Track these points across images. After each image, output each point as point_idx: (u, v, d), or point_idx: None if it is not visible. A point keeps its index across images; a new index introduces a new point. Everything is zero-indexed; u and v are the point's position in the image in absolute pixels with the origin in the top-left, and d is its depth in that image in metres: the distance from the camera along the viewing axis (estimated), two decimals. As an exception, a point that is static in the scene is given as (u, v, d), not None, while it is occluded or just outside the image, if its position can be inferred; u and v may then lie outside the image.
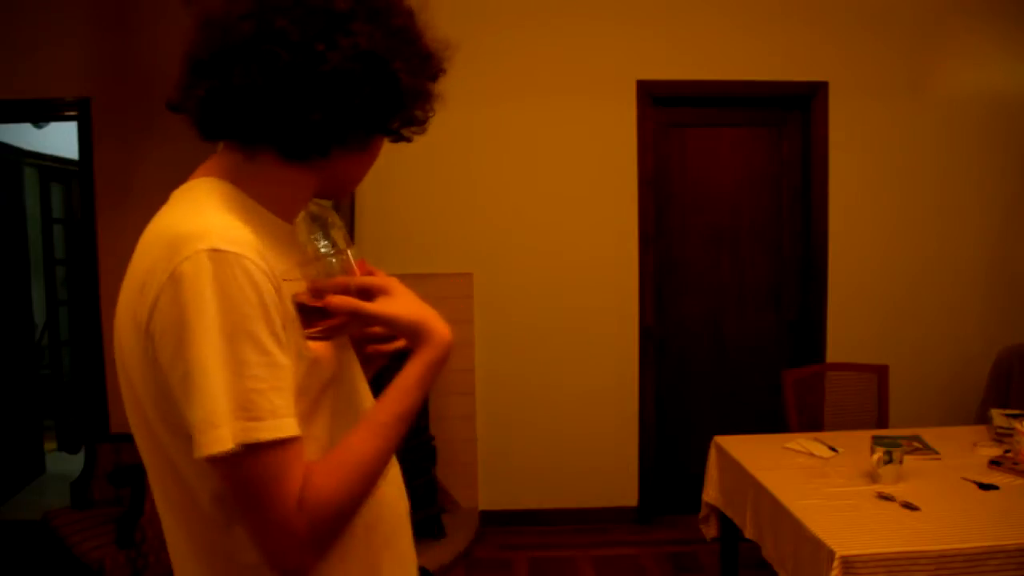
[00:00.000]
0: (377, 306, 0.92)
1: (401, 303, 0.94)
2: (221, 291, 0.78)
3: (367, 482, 0.87)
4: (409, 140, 1.01)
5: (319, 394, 0.91)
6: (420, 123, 1.00)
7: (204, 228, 0.81)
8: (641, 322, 3.90)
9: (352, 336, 1.03)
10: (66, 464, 4.93)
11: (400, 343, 1.03)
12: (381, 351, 1.08)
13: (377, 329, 1.02)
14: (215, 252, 0.79)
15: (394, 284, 0.95)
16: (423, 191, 3.82)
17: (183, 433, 0.82)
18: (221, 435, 0.77)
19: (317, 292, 0.90)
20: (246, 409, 0.78)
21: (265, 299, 0.80)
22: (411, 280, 3.70)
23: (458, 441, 3.86)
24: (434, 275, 3.83)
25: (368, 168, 1.01)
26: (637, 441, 3.94)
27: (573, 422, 3.93)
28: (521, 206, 3.85)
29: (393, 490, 1.05)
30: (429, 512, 3.50)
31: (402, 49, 0.92)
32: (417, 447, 3.46)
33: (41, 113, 4.43)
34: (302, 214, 1.01)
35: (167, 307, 0.79)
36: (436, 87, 1.01)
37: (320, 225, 1.04)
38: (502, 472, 3.89)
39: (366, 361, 1.08)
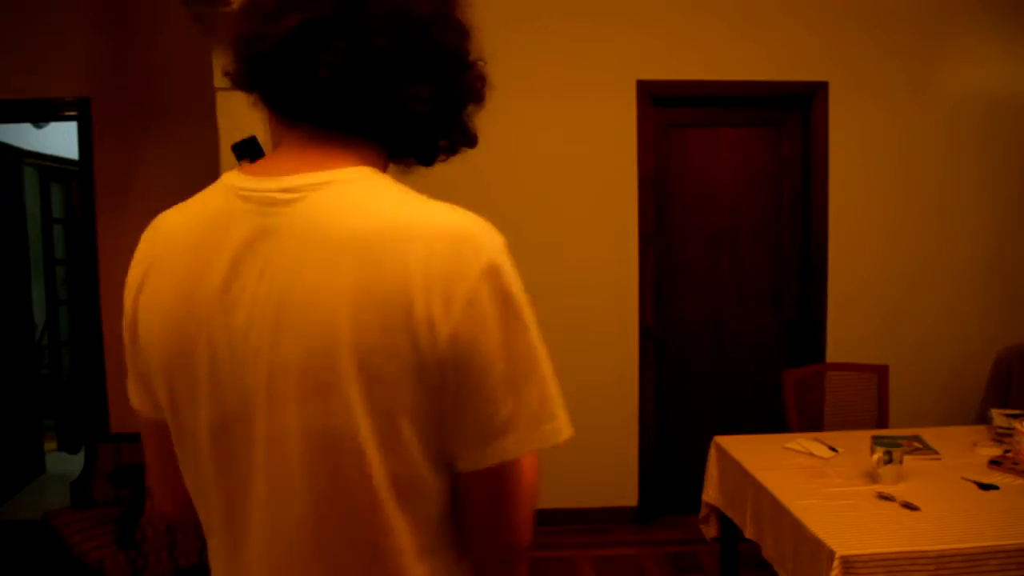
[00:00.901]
0: None
1: None
2: (520, 281, 0.79)
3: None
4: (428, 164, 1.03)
5: None
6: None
7: (476, 223, 0.80)
8: (641, 322, 3.90)
9: None
10: (66, 464, 4.93)
11: None
12: None
13: None
14: (505, 246, 0.79)
15: None
16: (423, 191, 3.81)
17: (433, 441, 0.78)
18: (562, 425, 0.81)
19: None
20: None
21: None
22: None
23: (458, 441, 3.86)
24: (434, 275, 3.83)
25: None
26: (637, 441, 3.94)
27: (573, 422, 3.90)
28: (521, 206, 3.85)
29: None
30: (429, 512, 3.50)
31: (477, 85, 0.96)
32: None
33: (41, 113, 4.43)
34: None
35: (487, 301, 0.75)
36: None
37: None
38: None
39: None
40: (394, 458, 0.76)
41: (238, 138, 0.91)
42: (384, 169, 0.88)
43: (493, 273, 0.76)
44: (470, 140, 0.96)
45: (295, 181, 0.80)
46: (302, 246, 0.77)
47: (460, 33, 0.89)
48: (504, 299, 0.76)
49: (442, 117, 0.87)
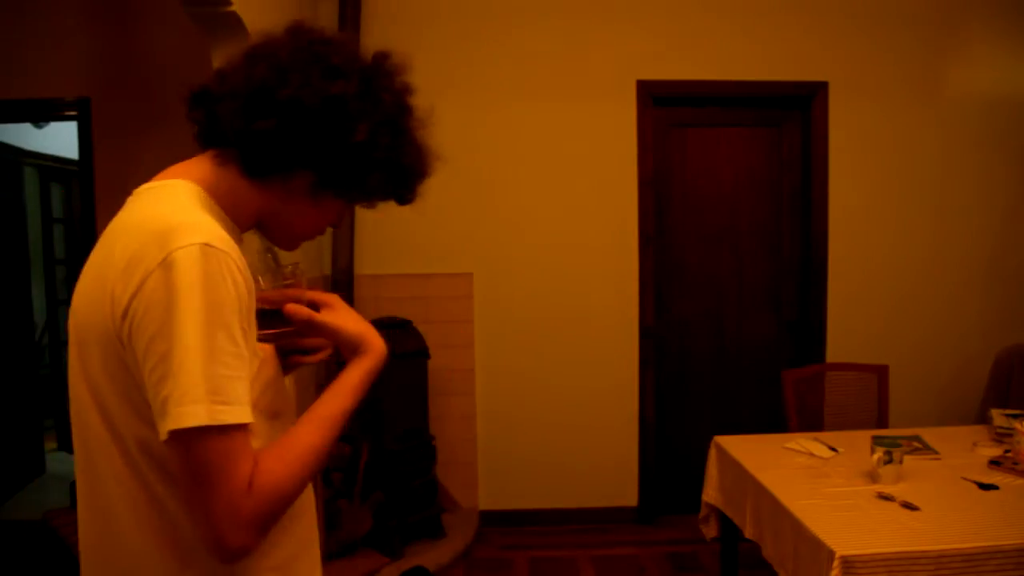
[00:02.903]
0: (326, 317, 1.03)
1: (345, 316, 1.05)
2: (208, 282, 0.85)
3: (309, 471, 0.93)
4: (366, 206, 1.14)
5: (260, 393, 0.98)
6: (371, 202, 1.13)
7: (196, 224, 0.88)
8: (641, 322, 3.90)
9: (281, 345, 1.09)
10: (66, 464, 4.93)
11: (323, 355, 1.15)
12: (304, 361, 1.15)
13: (313, 341, 1.12)
14: (207, 247, 0.86)
15: (337, 300, 1.07)
16: (423, 191, 3.81)
17: (141, 409, 0.88)
18: (197, 411, 0.82)
19: (274, 300, 1.01)
20: (217, 392, 0.84)
21: (241, 296, 0.89)
22: (411, 280, 3.72)
23: (458, 441, 3.86)
24: (434, 275, 3.83)
25: (313, 227, 1.08)
26: (637, 441, 3.94)
27: (573, 422, 3.93)
28: (521, 206, 3.85)
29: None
30: (429, 512, 3.50)
31: (401, 140, 1.09)
32: (417, 447, 3.46)
33: (41, 113, 4.43)
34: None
35: (156, 290, 0.85)
36: (414, 190, 1.17)
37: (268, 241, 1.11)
38: (502, 472, 3.89)
39: (285, 369, 1.14)
40: (115, 419, 0.91)
41: None
42: (218, 175, 1.00)
43: (168, 265, 0.84)
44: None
45: (148, 184, 1.01)
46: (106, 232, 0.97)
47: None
48: (170, 289, 0.84)
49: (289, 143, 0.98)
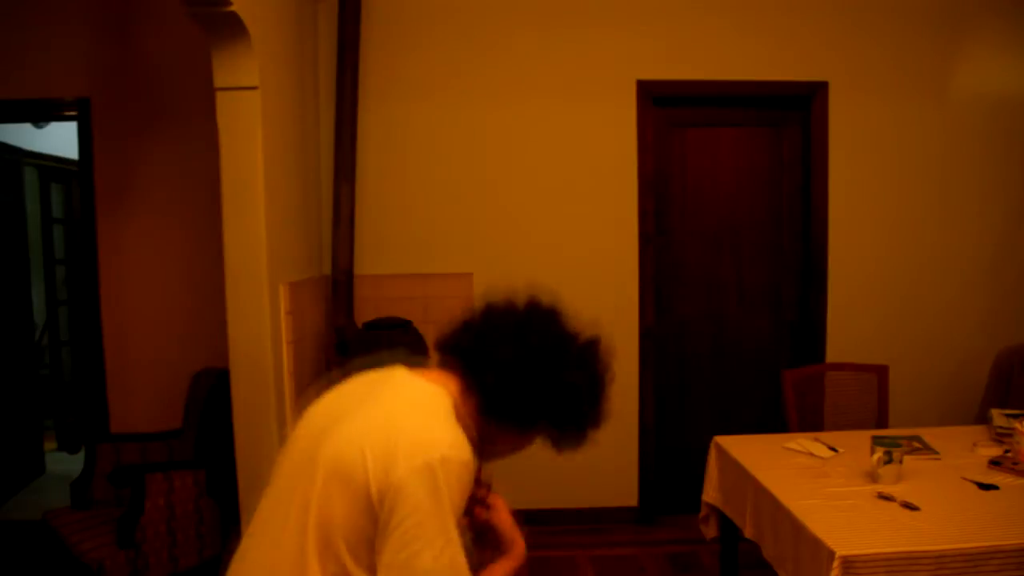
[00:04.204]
0: (493, 518, 1.34)
1: (505, 519, 1.36)
2: (456, 487, 1.10)
3: None
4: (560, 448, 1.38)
5: None
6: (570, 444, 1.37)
7: (454, 441, 1.13)
8: (641, 322, 3.90)
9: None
10: (66, 464, 4.93)
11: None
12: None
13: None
14: (461, 463, 1.11)
15: (500, 502, 1.38)
16: (423, 191, 3.82)
17: (357, 547, 1.11)
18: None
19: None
20: (454, 567, 1.10)
21: (467, 494, 1.15)
22: (411, 280, 3.73)
23: (458, 441, 3.86)
24: (434, 275, 3.83)
25: (514, 452, 1.39)
26: (637, 441, 3.94)
27: (573, 422, 3.92)
28: (521, 206, 3.85)
29: None
30: (429, 512, 3.50)
31: (598, 399, 1.34)
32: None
33: (41, 113, 4.43)
34: None
35: (409, 486, 1.07)
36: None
37: None
38: (502, 472, 3.88)
39: None
40: (332, 533, 1.11)
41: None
42: (463, 397, 1.25)
43: (432, 470, 1.08)
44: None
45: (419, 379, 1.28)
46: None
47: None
48: (423, 491, 1.08)
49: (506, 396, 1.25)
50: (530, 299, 1.36)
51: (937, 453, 2.57)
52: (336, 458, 1.12)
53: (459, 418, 1.20)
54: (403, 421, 1.14)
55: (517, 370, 1.22)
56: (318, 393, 1.30)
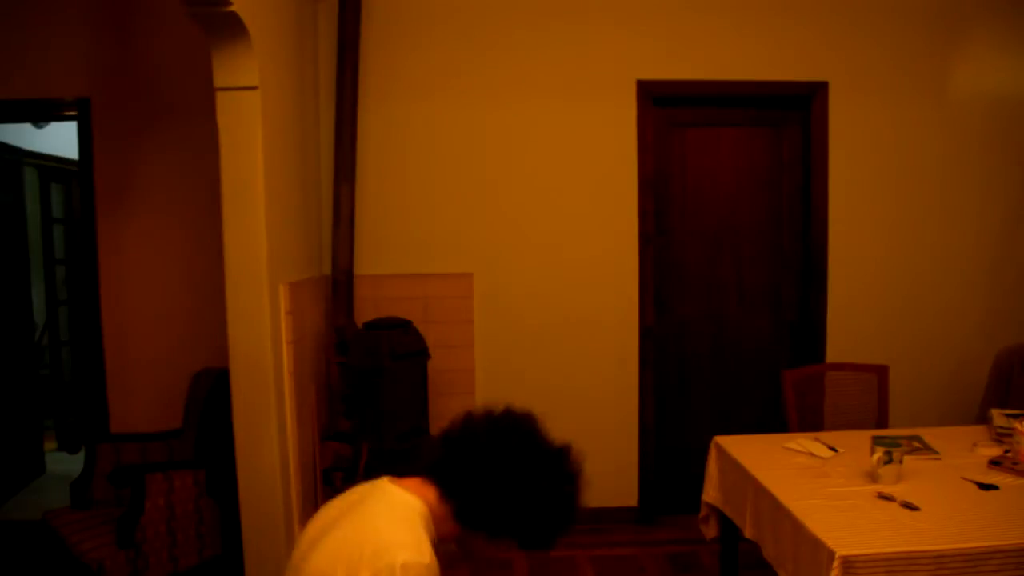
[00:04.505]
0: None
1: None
2: None
3: None
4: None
5: None
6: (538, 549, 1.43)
7: (418, 546, 1.24)
8: (641, 322, 3.90)
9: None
10: (66, 464, 4.93)
11: None
12: None
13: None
14: (421, 566, 1.21)
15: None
16: (423, 191, 3.82)
17: None
18: None
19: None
20: None
21: None
22: (411, 280, 3.72)
23: (458, 441, 3.86)
24: (434, 275, 3.83)
25: (496, 552, 1.44)
26: (637, 441, 3.94)
27: (573, 422, 3.90)
28: (521, 206, 3.85)
29: None
30: (429, 512, 3.50)
31: (565, 513, 1.41)
32: (417, 447, 3.46)
33: (41, 113, 4.43)
34: None
35: None
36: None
37: None
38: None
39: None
40: None
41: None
42: (438, 507, 1.36)
43: (402, 570, 1.19)
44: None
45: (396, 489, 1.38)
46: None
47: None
48: None
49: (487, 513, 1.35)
50: (505, 411, 1.45)
51: (937, 453, 2.58)
52: (315, 572, 1.27)
53: (435, 522, 1.33)
54: (371, 531, 1.27)
55: (483, 484, 1.32)
56: (320, 506, 1.45)
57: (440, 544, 1.37)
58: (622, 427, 3.93)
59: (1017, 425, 2.43)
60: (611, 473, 3.93)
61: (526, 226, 3.86)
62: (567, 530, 1.39)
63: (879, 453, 2.29)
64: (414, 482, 1.38)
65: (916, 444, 2.64)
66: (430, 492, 1.35)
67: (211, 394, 3.31)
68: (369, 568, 1.19)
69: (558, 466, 1.41)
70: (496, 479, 1.32)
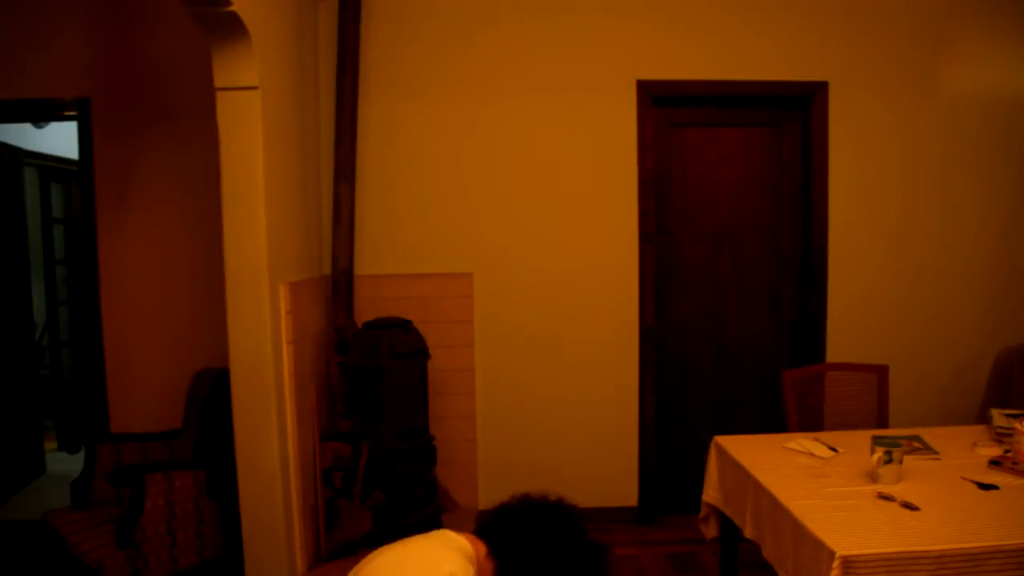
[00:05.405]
0: None
1: None
2: None
3: None
4: None
5: None
6: None
7: (449, 565, 1.34)
8: (641, 322, 3.90)
9: None
10: (66, 464, 4.93)
11: None
12: None
13: None
14: (454, 573, 1.33)
15: None
16: (423, 191, 3.82)
17: None
18: None
19: None
20: None
21: None
22: (411, 280, 3.73)
23: (458, 441, 3.86)
24: (434, 275, 3.83)
25: None
26: (637, 441, 3.94)
27: (573, 422, 3.92)
28: (521, 206, 3.85)
29: None
30: (428, 512, 3.50)
31: None
32: (417, 447, 3.46)
33: (41, 113, 4.43)
34: None
35: None
36: None
37: None
38: (502, 472, 3.89)
39: None
40: None
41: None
42: (484, 561, 1.45)
43: None
44: None
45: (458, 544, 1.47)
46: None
47: None
48: None
49: None
50: (559, 500, 1.54)
51: (937, 453, 2.58)
52: None
53: (478, 570, 1.42)
54: (418, 556, 1.40)
55: (527, 552, 1.43)
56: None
57: None
58: (622, 427, 3.93)
59: (1017, 425, 2.43)
60: (611, 473, 3.93)
61: (526, 226, 3.86)
62: None
63: (879, 453, 2.29)
64: (469, 536, 1.50)
65: (916, 444, 2.64)
66: (481, 546, 1.47)
67: (211, 394, 3.31)
68: None
69: (596, 556, 1.49)
70: (537, 549, 1.43)
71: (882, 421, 3.25)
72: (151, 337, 3.79)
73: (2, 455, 4.45)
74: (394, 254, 3.81)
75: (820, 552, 1.88)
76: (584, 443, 3.93)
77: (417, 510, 3.44)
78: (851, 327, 3.95)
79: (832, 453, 2.60)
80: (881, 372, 3.30)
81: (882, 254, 3.97)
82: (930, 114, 3.94)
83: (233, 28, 2.59)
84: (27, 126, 4.94)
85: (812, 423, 3.24)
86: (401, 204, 3.81)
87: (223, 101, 2.71)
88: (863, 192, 3.94)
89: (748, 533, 2.43)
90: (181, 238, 3.77)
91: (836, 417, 3.28)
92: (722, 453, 2.74)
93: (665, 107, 3.91)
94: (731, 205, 4.00)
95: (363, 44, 3.69)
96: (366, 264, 3.78)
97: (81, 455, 4.50)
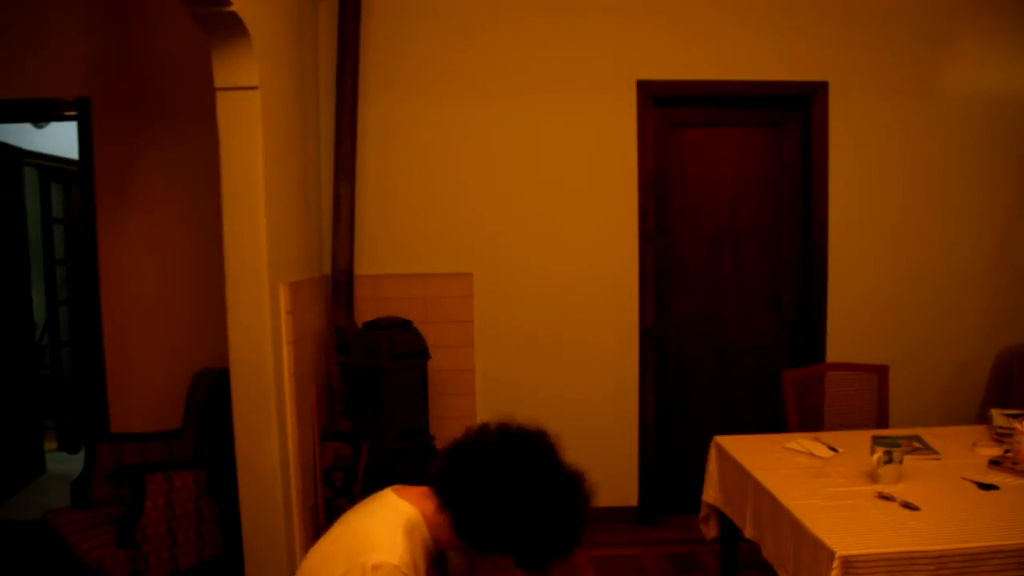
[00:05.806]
0: None
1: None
2: None
3: None
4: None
5: None
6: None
7: (393, 548, 1.27)
8: (641, 322, 3.90)
9: None
10: (66, 464, 4.93)
11: None
12: None
13: None
14: (377, 565, 1.24)
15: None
16: (423, 191, 3.82)
17: None
18: None
19: None
20: None
21: None
22: (411, 280, 3.73)
23: (458, 441, 3.86)
24: (434, 275, 3.83)
25: (493, 561, 1.42)
26: (637, 441, 3.94)
27: (573, 422, 3.92)
28: (521, 206, 3.85)
29: None
30: (429, 512, 3.50)
31: (568, 538, 1.34)
32: (417, 447, 3.46)
33: (41, 113, 4.43)
34: None
35: None
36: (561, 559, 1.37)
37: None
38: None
39: None
40: None
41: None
42: (437, 515, 1.35)
43: (374, 569, 1.23)
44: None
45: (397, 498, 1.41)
46: None
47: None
48: None
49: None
50: (518, 427, 1.39)
51: (937, 453, 2.58)
52: (307, 570, 1.34)
53: (434, 529, 1.35)
54: (355, 532, 1.32)
55: (478, 499, 1.29)
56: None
57: (443, 548, 1.40)
58: (622, 427, 3.93)
59: (1017, 425, 2.43)
60: (611, 473, 3.93)
61: (526, 226, 3.86)
62: (567, 556, 1.34)
63: (879, 453, 2.29)
64: (418, 490, 1.39)
65: (916, 444, 2.64)
66: (431, 501, 1.35)
67: (211, 394, 3.31)
68: (343, 565, 1.25)
69: (564, 491, 1.33)
70: (491, 495, 1.29)
71: (882, 421, 3.25)
72: (151, 337, 3.79)
73: (2, 455, 4.45)
74: (394, 254, 3.81)
75: (820, 552, 1.88)
76: (584, 443, 3.89)
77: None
78: (851, 327, 3.95)
79: (832, 453, 2.60)
80: (881, 372, 3.30)
81: (882, 254, 3.97)
82: (930, 114, 3.94)
83: (233, 28, 2.59)
84: (27, 126, 4.94)
85: (812, 423, 3.24)
86: (401, 204, 3.81)
87: (223, 101, 2.71)
88: (863, 192, 3.94)
89: (748, 533, 2.43)
90: (181, 238, 3.77)
91: (836, 417, 3.28)
92: (722, 453, 2.74)
93: (665, 107, 3.91)
94: (731, 205, 4.00)
95: (363, 44, 3.69)
96: (366, 264, 3.78)
97: (81, 455, 4.49)
